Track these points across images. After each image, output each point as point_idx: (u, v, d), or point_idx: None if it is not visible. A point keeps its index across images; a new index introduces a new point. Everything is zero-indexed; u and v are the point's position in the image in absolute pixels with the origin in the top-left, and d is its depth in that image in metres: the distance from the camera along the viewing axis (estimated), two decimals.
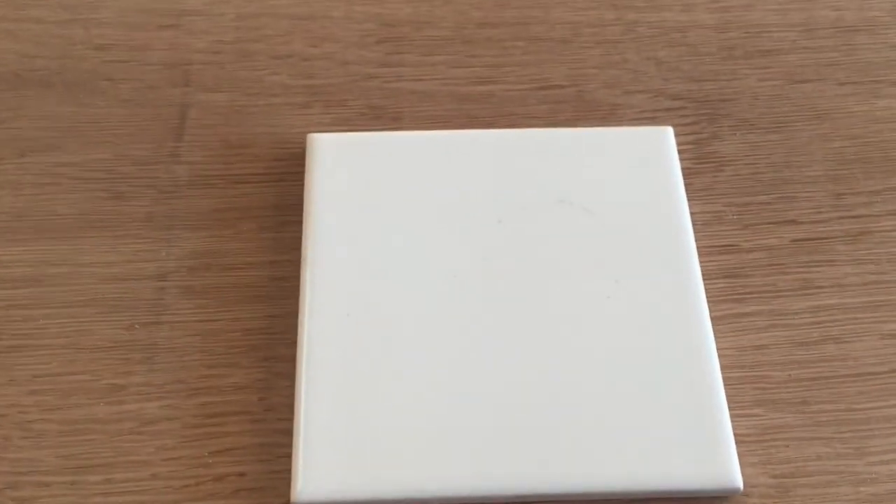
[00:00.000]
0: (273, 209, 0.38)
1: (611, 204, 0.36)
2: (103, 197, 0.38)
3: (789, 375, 0.34)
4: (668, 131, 0.38)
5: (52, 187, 0.38)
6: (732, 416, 0.32)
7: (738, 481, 0.31)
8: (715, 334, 0.33)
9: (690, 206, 0.36)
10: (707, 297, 0.34)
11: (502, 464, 0.31)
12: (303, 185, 0.37)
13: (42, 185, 0.38)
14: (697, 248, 0.35)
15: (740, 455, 0.32)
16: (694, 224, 0.36)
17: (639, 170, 0.37)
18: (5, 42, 0.42)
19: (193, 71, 0.42)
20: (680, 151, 0.38)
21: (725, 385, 0.33)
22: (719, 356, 0.33)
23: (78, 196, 0.38)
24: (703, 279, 0.35)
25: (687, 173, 0.38)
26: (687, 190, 0.37)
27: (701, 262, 0.35)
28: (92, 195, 0.38)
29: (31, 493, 0.31)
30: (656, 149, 0.38)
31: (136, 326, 0.35)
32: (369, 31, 0.43)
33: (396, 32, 0.43)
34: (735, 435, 0.32)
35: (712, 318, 0.34)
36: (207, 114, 0.40)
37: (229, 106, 0.41)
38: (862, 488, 0.32)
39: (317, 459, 0.31)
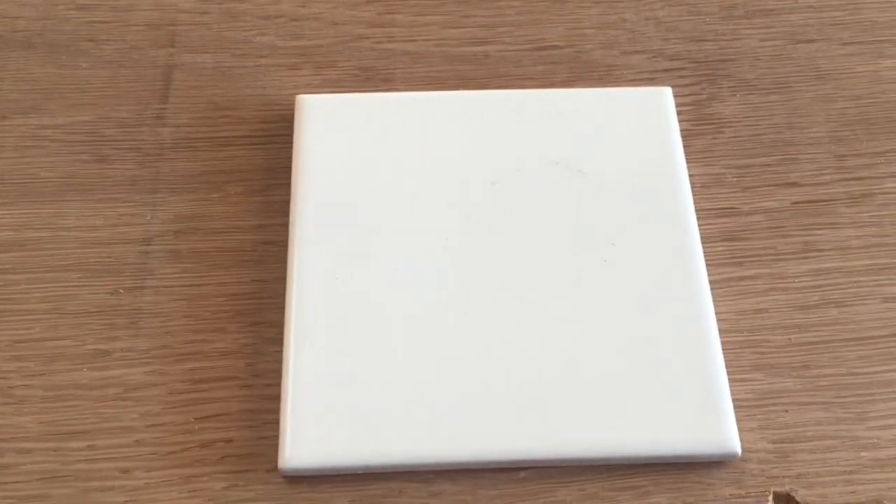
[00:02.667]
0: (261, 172, 0.37)
1: (607, 166, 0.35)
2: (87, 160, 0.37)
3: (789, 339, 0.33)
4: (667, 92, 0.37)
5: (35, 150, 0.37)
6: (731, 381, 0.31)
7: (737, 446, 0.30)
8: (714, 298, 0.33)
9: (689, 169, 0.36)
10: (706, 260, 0.33)
11: (495, 429, 0.30)
12: (291, 147, 0.36)
13: (24, 148, 0.37)
14: (696, 210, 0.34)
15: (738, 420, 0.31)
16: (692, 186, 0.35)
17: (637, 131, 0.36)
18: None
19: (179, 31, 0.40)
20: (678, 113, 0.37)
21: (724, 349, 0.32)
22: (718, 320, 0.32)
23: (61, 159, 0.37)
24: (702, 242, 0.34)
25: (685, 135, 0.37)
26: (685, 152, 0.36)
27: (699, 225, 0.34)
28: (75, 158, 0.37)
29: (12, 460, 0.31)
30: (654, 110, 0.37)
31: (121, 291, 0.34)
32: None
33: None
34: (733, 400, 0.31)
35: (711, 282, 0.33)
36: (193, 75, 0.39)
37: (216, 67, 0.39)
38: (863, 453, 0.31)
39: (305, 426, 0.30)
